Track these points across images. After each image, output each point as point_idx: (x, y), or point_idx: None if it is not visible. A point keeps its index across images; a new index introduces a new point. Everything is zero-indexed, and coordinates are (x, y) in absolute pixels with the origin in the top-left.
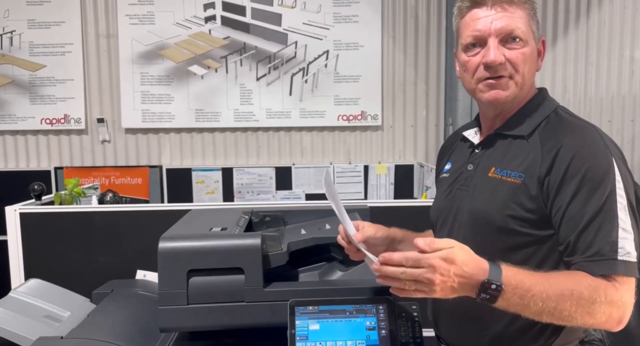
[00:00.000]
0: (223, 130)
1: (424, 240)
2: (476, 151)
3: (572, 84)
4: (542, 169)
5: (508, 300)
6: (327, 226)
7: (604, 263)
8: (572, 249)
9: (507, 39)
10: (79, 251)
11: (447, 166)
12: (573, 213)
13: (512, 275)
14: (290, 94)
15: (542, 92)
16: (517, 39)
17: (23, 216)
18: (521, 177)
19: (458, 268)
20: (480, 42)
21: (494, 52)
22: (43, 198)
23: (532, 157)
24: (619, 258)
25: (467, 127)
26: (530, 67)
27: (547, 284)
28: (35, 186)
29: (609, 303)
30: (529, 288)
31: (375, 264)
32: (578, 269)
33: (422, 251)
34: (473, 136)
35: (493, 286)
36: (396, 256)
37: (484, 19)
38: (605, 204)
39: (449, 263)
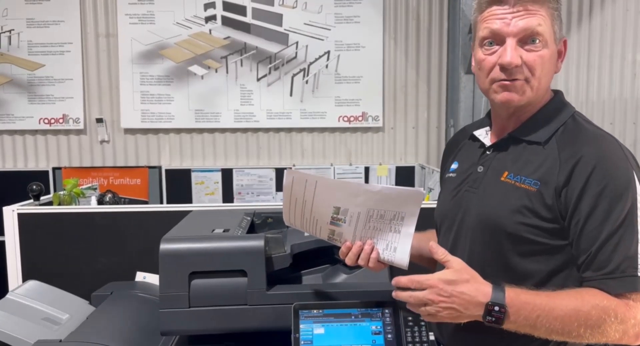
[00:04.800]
0: (223, 131)
1: (438, 250)
2: (487, 152)
3: (574, 86)
4: (559, 179)
5: (515, 321)
6: None
7: (625, 280)
8: (589, 264)
9: (527, 40)
10: (78, 253)
11: (454, 166)
12: (592, 227)
13: (515, 296)
14: (291, 94)
15: (558, 95)
16: (537, 41)
17: (21, 216)
18: (536, 184)
19: (457, 290)
20: (497, 39)
21: (510, 53)
22: (41, 198)
23: (549, 166)
24: None
25: (477, 126)
26: (548, 69)
27: (553, 304)
28: (34, 186)
29: (620, 322)
30: (532, 308)
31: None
32: (595, 286)
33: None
34: (484, 136)
35: (496, 308)
36: (403, 279)
37: (503, 17)
38: (626, 219)
39: (448, 284)
